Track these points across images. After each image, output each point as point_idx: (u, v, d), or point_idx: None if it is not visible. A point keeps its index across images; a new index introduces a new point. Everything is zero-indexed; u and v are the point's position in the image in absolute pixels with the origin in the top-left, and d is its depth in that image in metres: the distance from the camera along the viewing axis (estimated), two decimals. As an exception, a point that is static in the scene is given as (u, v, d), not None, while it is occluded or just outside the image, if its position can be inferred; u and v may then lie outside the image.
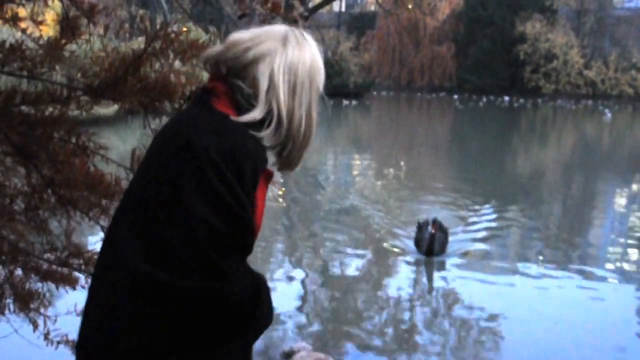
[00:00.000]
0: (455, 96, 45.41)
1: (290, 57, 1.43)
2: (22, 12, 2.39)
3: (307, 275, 6.49)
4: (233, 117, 1.41)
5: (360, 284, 6.27)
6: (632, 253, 7.80)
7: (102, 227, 2.50)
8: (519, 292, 6.10)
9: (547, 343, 4.82)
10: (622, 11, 50.59)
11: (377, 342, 4.85)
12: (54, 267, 2.74)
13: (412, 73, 53.52)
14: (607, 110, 34.92)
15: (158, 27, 2.17)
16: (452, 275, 6.50)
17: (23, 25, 2.38)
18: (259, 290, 1.43)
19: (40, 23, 2.37)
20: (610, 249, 8.04)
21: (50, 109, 2.34)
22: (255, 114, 1.41)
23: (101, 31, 2.37)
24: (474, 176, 13.50)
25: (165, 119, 2.29)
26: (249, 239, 1.39)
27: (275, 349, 4.51)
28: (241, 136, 1.39)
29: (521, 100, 43.35)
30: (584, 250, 7.97)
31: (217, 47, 1.49)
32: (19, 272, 2.76)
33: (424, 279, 6.61)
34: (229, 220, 1.33)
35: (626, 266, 7.16)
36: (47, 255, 2.73)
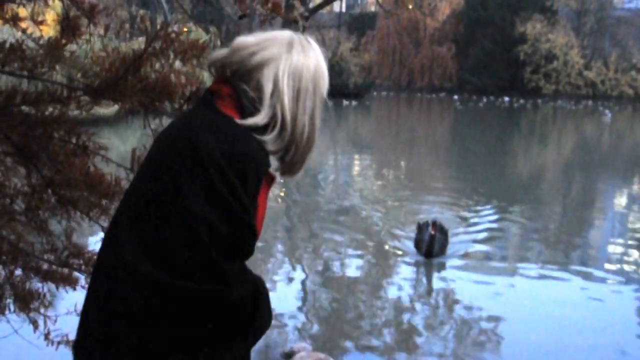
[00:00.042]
0: (456, 96, 45.42)
1: (295, 62, 1.44)
2: (23, 12, 2.39)
3: (307, 276, 6.49)
4: (237, 120, 1.41)
5: (360, 285, 6.27)
6: (632, 254, 7.80)
7: (102, 227, 2.50)
8: (519, 293, 6.10)
9: (547, 344, 4.82)
10: (622, 12, 50.60)
11: (377, 342, 4.85)
12: (54, 267, 2.74)
13: (412, 73, 53.54)
14: (607, 111, 34.95)
15: (158, 27, 2.17)
16: (451, 276, 6.50)
17: (23, 25, 2.39)
18: (258, 293, 1.44)
19: (41, 23, 2.37)
20: (611, 250, 8.03)
21: (51, 109, 2.34)
22: (260, 119, 1.42)
23: (101, 31, 2.37)
24: (474, 176, 13.51)
25: (165, 119, 2.29)
26: (250, 242, 1.40)
27: (276, 349, 4.51)
28: (245, 139, 1.39)
29: (521, 101, 43.36)
30: (584, 251, 7.97)
31: (223, 51, 1.49)
32: (19, 272, 2.76)
33: (424, 280, 6.61)
34: (231, 222, 1.33)
35: (626, 267, 7.16)
36: (47, 256, 2.73)
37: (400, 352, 4.73)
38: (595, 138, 25.49)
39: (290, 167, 1.52)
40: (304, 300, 5.84)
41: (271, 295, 1.53)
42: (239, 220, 1.34)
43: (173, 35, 2.14)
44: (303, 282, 6.29)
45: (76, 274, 2.75)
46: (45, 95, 2.31)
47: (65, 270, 2.74)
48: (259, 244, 1.43)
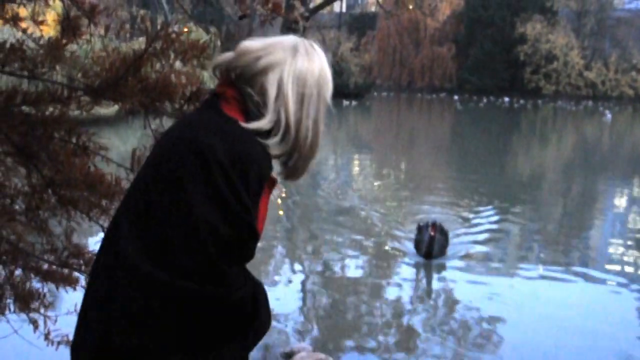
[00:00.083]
0: (456, 97, 45.43)
1: (299, 67, 1.45)
2: (23, 12, 2.39)
3: (307, 276, 6.49)
4: (242, 123, 1.42)
5: (360, 286, 6.27)
6: (632, 254, 7.80)
7: (102, 228, 2.49)
8: (519, 294, 6.09)
9: (547, 345, 4.81)
10: (622, 12, 50.65)
11: (376, 343, 4.85)
12: (54, 267, 2.74)
13: (413, 74, 53.58)
14: (607, 112, 34.95)
15: (159, 27, 2.17)
16: (451, 277, 6.50)
17: (24, 25, 2.39)
18: (258, 294, 1.44)
19: (41, 23, 2.37)
20: (611, 251, 8.03)
21: (51, 109, 2.34)
22: (264, 123, 1.42)
23: (102, 31, 2.37)
24: (474, 177, 13.50)
25: (165, 120, 2.29)
26: (251, 244, 1.40)
27: (276, 349, 4.51)
28: (249, 141, 1.39)
29: (521, 101, 43.38)
30: (584, 252, 7.97)
31: (228, 54, 1.50)
32: (19, 272, 2.76)
33: (424, 281, 6.61)
34: (233, 223, 1.34)
35: (626, 268, 7.16)
36: (47, 256, 2.73)
37: (400, 352, 4.73)
38: (595, 139, 25.49)
39: (293, 171, 1.53)
40: (304, 300, 5.84)
41: (271, 295, 1.53)
42: (240, 222, 1.34)
43: (173, 35, 2.15)
44: (303, 283, 6.29)
45: (76, 274, 2.75)
46: (46, 95, 2.31)
47: (65, 271, 2.74)
48: (259, 244, 1.44)
